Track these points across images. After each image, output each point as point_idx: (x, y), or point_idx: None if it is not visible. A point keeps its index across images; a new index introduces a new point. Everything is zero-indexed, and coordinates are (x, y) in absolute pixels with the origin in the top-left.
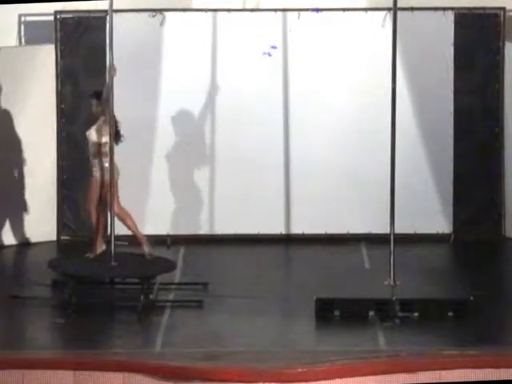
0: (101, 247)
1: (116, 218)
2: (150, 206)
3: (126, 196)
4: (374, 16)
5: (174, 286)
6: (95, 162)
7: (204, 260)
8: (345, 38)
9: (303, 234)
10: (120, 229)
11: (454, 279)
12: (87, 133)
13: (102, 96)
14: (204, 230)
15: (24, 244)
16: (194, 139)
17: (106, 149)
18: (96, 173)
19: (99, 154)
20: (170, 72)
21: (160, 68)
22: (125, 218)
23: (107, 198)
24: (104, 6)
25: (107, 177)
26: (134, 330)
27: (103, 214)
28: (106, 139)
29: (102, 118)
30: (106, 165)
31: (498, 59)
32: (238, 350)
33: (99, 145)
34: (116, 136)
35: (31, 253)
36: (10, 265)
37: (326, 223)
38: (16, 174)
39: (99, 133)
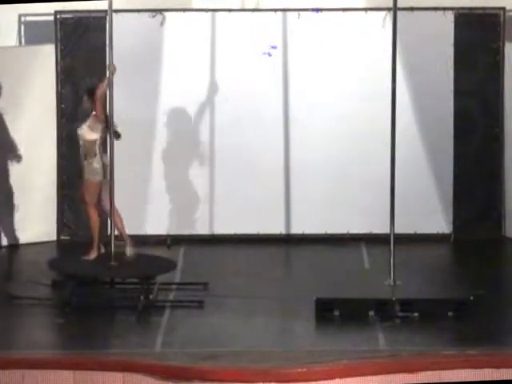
0: (97, 252)
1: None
2: (150, 205)
3: (126, 196)
4: (374, 16)
5: (174, 286)
6: (90, 161)
7: (204, 260)
8: (345, 38)
9: (303, 234)
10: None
11: (454, 279)
12: (79, 131)
13: (94, 93)
14: (204, 230)
15: (24, 244)
16: (194, 139)
17: (96, 148)
18: (92, 174)
19: (92, 152)
20: (170, 72)
21: (160, 68)
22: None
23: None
24: (104, 6)
25: (100, 177)
26: (134, 330)
27: (100, 216)
28: (97, 136)
29: (92, 115)
30: (97, 165)
31: (498, 59)
32: (238, 349)
33: (93, 143)
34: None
35: (31, 253)
36: (10, 265)
37: (325, 223)
38: (16, 174)
39: (91, 130)
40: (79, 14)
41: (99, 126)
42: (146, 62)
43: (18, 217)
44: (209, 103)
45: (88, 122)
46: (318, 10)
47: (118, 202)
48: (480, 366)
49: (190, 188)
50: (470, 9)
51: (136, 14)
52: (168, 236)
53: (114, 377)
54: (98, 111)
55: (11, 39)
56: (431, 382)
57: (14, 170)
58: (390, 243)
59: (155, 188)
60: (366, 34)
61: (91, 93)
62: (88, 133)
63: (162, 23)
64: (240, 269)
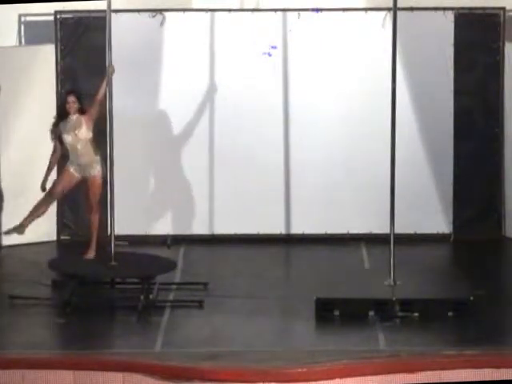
0: (95, 250)
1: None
2: (151, 205)
3: (126, 196)
4: (374, 16)
5: (174, 286)
6: (98, 158)
7: (204, 260)
8: (345, 38)
9: (303, 234)
10: (120, 229)
11: (454, 279)
12: (77, 132)
13: (80, 94)
14: (204, 230)
15: (24, 244)
16: (194, 139)
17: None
18: (98, 170)
19: (95, 148)
20: (169, 72)
21: (160, 68)
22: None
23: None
24: (104, 6)
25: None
26: (134, 330)
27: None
28: (91, 134)
29: (76, 116)
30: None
31: (498, 59)
32: (237, 349)
33: (91, 140)
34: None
35: (31, 253)
36: (10, 265)
37: (325, 223)
38: (16, 174)
39: (88, 129)
40: (79, 14)
41: (91, 126)
42: (145, 61)
43: (17, 217)
44: (209, 103)
45: (83, 123)
46: (318, 9)
47: (118, 202)
48: (480, 365)
49: (189, 188)
50: (470, 9)
51: (136, 13)
52: (168, 236)
53: (114, 377)
54: (92, 113)
55: (11, 39)
56: (431, 382)
57: (14, 169)
58: (390, 243)
59: (155, 188)
60: (366, 34)
61: (79, 94)
62: (87, 133)
63: (162, 23)
64: (240, 269)
